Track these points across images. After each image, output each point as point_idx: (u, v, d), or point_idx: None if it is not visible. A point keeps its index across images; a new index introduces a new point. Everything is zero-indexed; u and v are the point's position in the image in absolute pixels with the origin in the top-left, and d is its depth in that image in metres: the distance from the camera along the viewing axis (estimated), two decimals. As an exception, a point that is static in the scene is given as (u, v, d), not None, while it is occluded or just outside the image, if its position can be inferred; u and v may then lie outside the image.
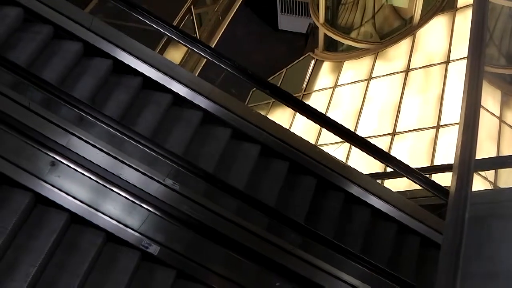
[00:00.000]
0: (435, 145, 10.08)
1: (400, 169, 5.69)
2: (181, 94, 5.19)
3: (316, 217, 5.37)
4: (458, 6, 12.32)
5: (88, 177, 4.19)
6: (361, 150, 5.65)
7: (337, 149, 10.69)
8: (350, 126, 11.44)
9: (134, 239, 4.21)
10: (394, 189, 6.26)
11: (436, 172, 8.50)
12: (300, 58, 14.48)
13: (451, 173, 3.48)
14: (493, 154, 7.97)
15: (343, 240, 5.10)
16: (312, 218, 5.30)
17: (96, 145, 4.26)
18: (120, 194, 4.25)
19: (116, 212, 4.20)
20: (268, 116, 10.57)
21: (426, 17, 12.67)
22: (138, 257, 4.19)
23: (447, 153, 9.68)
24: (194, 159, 4.86)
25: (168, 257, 4.28)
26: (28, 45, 4.78)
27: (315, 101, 12.94)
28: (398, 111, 11.32)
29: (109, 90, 4.99)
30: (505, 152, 8.37)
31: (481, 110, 3.63)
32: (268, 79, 12.63)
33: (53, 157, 4.11)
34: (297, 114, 10.39)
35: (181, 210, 4.37)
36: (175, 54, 9.54)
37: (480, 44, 3.93)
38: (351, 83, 12.80)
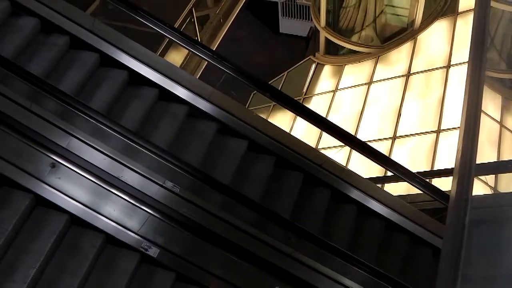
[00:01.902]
0: (435, 150, 10.08)
1: (400, 173, 5.68)
2: (182, 96, 5.20)
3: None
4: (459, 10, 12.34)
5: (88, 179, 4.18)
6: (362, 154, 5.64)
7: (337, 153, 10.69)
8: (351, 130, 11.45)
9: (134, 241, 4.21)
10: (394, 193, 6.25)
11: (436, 177, 8.49)
12: (301, 62, 14.50)
13: (451, 178, 3.48)
14: (493, 158, 7.96)
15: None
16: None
17: (97, 147, 4.26)
18: (120, 196, 4.24)
19: (116, 214, 4.20)
20: (269, 120, 10.58)
21: (427, 21, 12.69)
22: (137, 259, 4.19)
23: (447, 158, 9.68)
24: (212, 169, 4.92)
25: (168, 260, 4.27)
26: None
27: (316, 104, 12.95)
28: (399, 115, 11.33)
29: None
30: (505, 156, 8.37)
31: (482, 114, 3.63)
32: (269, 82, 12.63)
33: (53, 158, 4.11)
34: (298, 117, 10.40)
35: (181, 213, 4.36)
36: (176, 57, 9.55)
37: (481, 48, 3.94)
38: (352, 87, 12.81)
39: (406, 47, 12.71)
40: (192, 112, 5.24)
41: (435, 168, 9.70)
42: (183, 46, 5.41)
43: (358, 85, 12.71)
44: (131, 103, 5.04)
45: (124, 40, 5.16)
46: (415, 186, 5.70)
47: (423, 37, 12.64)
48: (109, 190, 4.22)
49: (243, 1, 11.96)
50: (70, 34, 5.01)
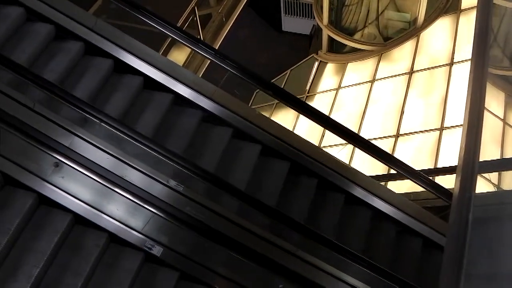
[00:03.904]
0: (438, 147, 10.08)
1: (403, 171, 5.68)
2: (184, 95, 5.20)
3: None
4: (462, 7, 12.32)
5: (92, 178, 4.19)
6: (365, 152, 5.64)
7: (340, 151, 10.69)
8: (354, 128, 11.44)
9: (138, 240, 4.21)
10: (397, 191, 6.25)
11: (439, 174, 8.49)
12: (304, 60, 14.49)
13: (454, 175, 3.47)
14: (497, 156, 7.96)
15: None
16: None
17: (100, 146, 4.26)
18: (124, 196, 4.24)
19: (119, 213, 4.20)
20: (272, 118, 10.58)
21: (430, 18, 12.67)
22: (141, 258, 4.19)
23: (450, 155, 9.67)
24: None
25: (172, 259, 4.27)
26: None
27: (319, 102, 12.94)
28: (402, 113, 11.32)
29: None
30: (508, 154, 8.37)
31: (485, 112, 3.63)
32: (272, 81, 12.63)
33: (56, 158, 4.12)
34: (301, 115, 10.40)
35: (184, 212, 4.37)
36: (179, 55, 9.55)
37: (484, 45, 3.93)
38: (354, 84, 12.80)
39: (409, 45, 12.69)
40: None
41: (438, 166, 9.70)
42: (186, 45, 5.41)
43: (361, 83, 12.70)
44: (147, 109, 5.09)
45: (130, 40, 5.18)
46: (419, 184, 5.69)
47: (426, 34, 12.62)
48: (113, 189, 4.23)
49: (246, 0, 11.94)
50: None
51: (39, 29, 4.92)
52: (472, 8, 11.93)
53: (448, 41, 11.98)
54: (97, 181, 4.20)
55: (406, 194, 7.58)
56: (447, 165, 9.02)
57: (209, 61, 7.52)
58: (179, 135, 5.04)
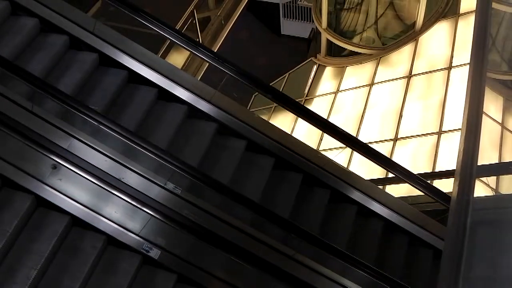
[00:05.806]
0: (437, 151, 10.07)
1: (401, 175, 5.67)
2: (183, 98, 5.20)
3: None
4: (461, 12, 12.33)
5: (90, 180, 4.19)
6: (363, 155, 5.64)
7: (338, 154, 10.68)
8: (352, 131, 11.44)
9: (135, 242, 4.21)
10: (395, 195, 6.24)
11: (437, 178, 8.48)
12: (303, 63, 14.48)
13: (453, 179, 3.47)
14: (495, 160, 7.95)
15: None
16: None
17: (98, 148, 4.26)
18: (121, 198, 4.24)
19: (117, 216, 4.20)
20: (270, 121, 10.58)
21: (428, 22, 12.68)
22: (139, 261, 4.19)
23: (449, 159, 9.67)
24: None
25: (169, 261, 4.27)
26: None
27: (317, 106, 12.94)
28: (400, 116, 11.32)
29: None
30: (507, 158, 8.35)
31: (483, 116, 3.63)
32: (270, 84, 12.62)
33: (54, 160, 4.11)
34: (299, 119, 10.39)
35: (182, 214, 4.36)
36: (178, 58, 9.55)
37: (482, 50, 3.94)
38: (353, 88, 12.80)
39: (407, 49, 12.70)
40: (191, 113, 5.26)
41: (436, 170, 9.69)
42: (185, 48, 5.41)
43: (359, 87, 12.70)
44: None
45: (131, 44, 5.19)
46: (417, 188, 5.68)
47: (424, 38, 12.63)
48: (110, 192, 4.22)
49: (245, 3, 11.94)
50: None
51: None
52: (470, 12, 11.93)
53: (447, 45, 11.98)
54: (95, 183, 4.19)
55: (404, 198, 7.58)
56: (445, 169, 9.02)
57: (207, 64, 7.52)
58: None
